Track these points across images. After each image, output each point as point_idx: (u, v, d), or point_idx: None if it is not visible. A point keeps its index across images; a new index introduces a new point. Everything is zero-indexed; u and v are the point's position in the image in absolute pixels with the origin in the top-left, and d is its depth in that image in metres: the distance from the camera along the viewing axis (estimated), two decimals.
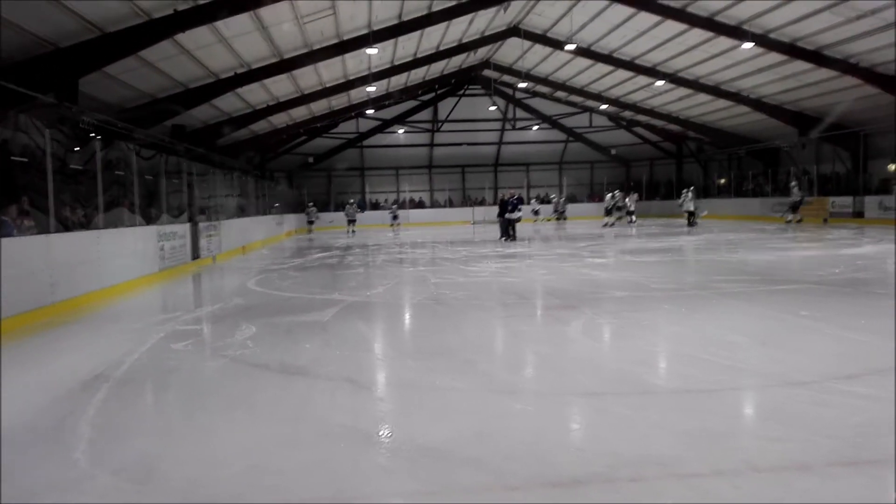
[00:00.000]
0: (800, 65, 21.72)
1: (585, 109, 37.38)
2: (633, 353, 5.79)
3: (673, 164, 40.09)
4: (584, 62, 28.19)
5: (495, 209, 22.60)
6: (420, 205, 40.36)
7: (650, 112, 33.48)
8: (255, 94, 21.84)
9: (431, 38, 24.53)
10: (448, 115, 38.14)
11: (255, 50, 17.92)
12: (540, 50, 28.63)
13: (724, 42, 21.76)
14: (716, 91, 26.92)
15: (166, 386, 5.19)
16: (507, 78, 35.25)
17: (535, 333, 6.86)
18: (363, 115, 36.37)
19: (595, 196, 39.69)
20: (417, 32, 22.36)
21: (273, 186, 30.75)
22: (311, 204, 33.54)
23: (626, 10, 21.67)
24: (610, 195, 29.37)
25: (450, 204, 40.84)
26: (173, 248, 13.76)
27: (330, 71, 23.29)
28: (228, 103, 21.48)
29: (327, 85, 25.02)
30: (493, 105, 37.68)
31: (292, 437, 3.85)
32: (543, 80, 33.25)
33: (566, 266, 12.97)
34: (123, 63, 14.01)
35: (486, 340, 6.60)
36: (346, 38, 19.74)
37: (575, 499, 3.00)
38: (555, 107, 37.88)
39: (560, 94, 35.48)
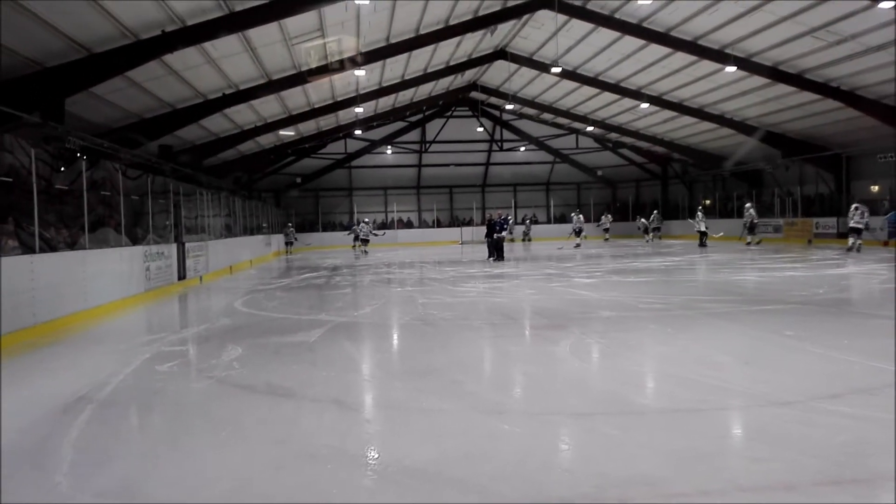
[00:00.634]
0: (782, 88, 22.06)
1: (572, 131, 37.71)
2: (620, 373, 5.80)
3: (658, 185, 40.43)
4: (570, 85, 28.49)
5: (483, 229, 22.78)
6: (408, 225, 40.43)
7: (635, 134, 33.83)
8: (242, 114, 21.90)
9: (419, 60, 24.73)
10: (436, 136, 38.34)
11: (244, 71, 17.98)
12: (527, 72, 28.93)
13: (708, 66, 22.07)
14: (700, 113, 27.26)
15: (151, 408, 5.14)
16: (494, 100, 35.55)
17: (522, 353, 6.86)
18: (351, 136, 36.50)
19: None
20: (405, 55, 22.54)
21: (260, 206, 30.63)
22: (289, 225, 33.32)
23: (612, 34, 21.94)
24: (576, 215, 30.39)
25: (437, 224, 40.92)
26: (159, 268, 13.69)
27: (318, 92, 23.40)
28: (216, 124, 21.52)
29: (315, 106, 25.13)
30: (481, 126, 37.95)
31: (278, 460, 3.82)
32: (530, 103, 33.54)
33: (554, 286, 13.00)
34: (110, 83, 14.02)
35: (473, 361, 6.58)
36: (334, 60, 19.84)
37: None
38: (542, 128, 38.20)
39: (547, 115, 35.79)
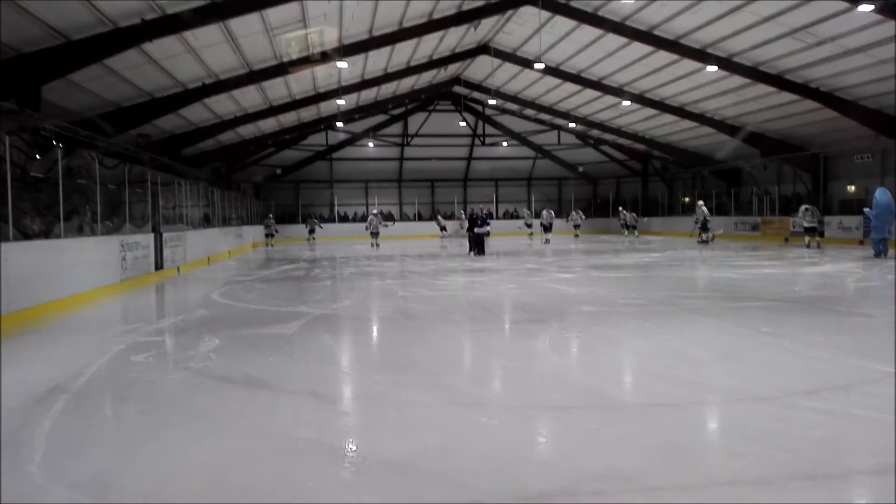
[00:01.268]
0: (762, 88, 22.26)
1: (554, 127, 37.81)
2: (599, 367, 5.83)
3: (639, 182, 40.70)
4: (552, 81, 28.54)
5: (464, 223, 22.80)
6: (389, 218, 40.27)
7: (617, 131, 34.01)
8: (222, 104, 21.67)
9: (402, 53, 24.64)
10: (418, 130, 38.25)
11: (224, 61, 17.80)
12: (509, 68, 28.93)
13: (689, 65, 22.21)
14: (680, 112, 27.45)
15: (125, 398, 5.07)
16: (477, 94, 35.52)
17: (502, 347, 6.87)
18: (333, 128, 36.31)
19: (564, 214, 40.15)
20: (388, 48, 22.44)
21: (240, 197, 30.35)
22: (269, 216, 32.74)
23: (595, 32, 22.01)
24: (546, 211, 30.02)
25: (419, 217, 40.84)
26: (136, 258, 13.53)
27: (300, 83, 23.23)
28: (195, 113, 21.29)
29: (297, 97, 24.95)
30: (463, 121, 37.90)
31: (255, 452, 3.78)
32: (513, 98, 33.57)
33: (534, 280, 13.04)
34: (88, 71, 13.82)
35: (453, 354, 6.58)
36: (316, 51, 19.69)
37: None
38: (524, 124, 38.26)
39: (529, 111, 35.85)
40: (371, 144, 38.94)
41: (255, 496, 3.20)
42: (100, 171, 12.72)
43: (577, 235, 32.93)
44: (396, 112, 37.48)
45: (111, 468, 3.61)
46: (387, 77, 27.05)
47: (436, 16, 21.14)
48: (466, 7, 21.34)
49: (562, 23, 22.12)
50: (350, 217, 40.15)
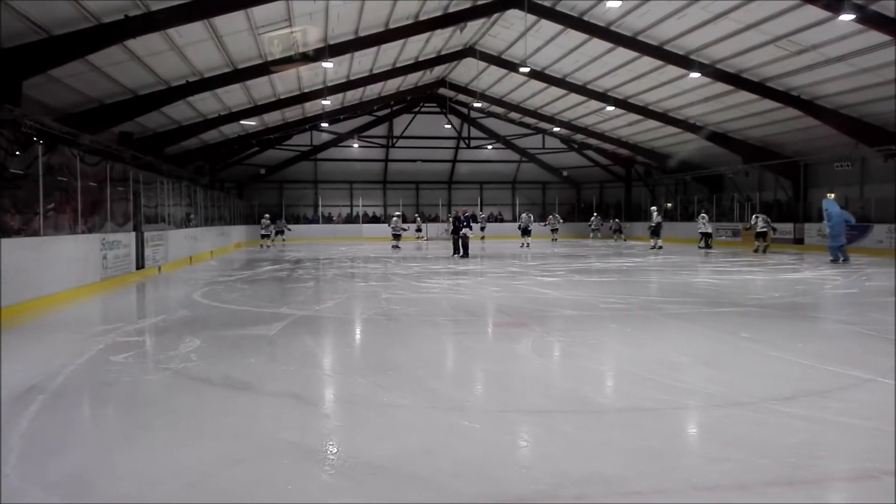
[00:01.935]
0: (744, 95, 22.47)
1: (539, 131, 37.96)
2: (580, 371, 5.86)
3: (622, 187, 40.92)
4: (538, 85, 28.66)
5: (449, 225, 22.83)
6: (374, 220, 40.21)
7: (601, 136, 34.19)
8: (206, 103, 21.54)
9: (388, 54, 24.62)
10: (403, 132, 38.25)
11: (208, 59, 17.70)
12: (495, 71, 29.02)
13: (673, 71, 22.39)
14: (664, 118, 27.64)
15: (104, 399, 5.02)
16: (462, 97, 35.60)
17: (484, 350, 6.87)
18: (317, 128, 36.18)
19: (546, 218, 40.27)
20: (374, 48, 22.42)
21: (223, 197, 30.06)
22: (266, 216, 31.40)
23: (580, 36, 22.14)
24: (526, 215, 30.07)
25: (403, 220, 40.66)
26: (117, 257, 13.40)
27: (284, 83, 23.14)
28: (179, 111, 21.14)
29: (281, 97, 24.85)
30: (448, 123, 37.94)
31: (235, 454, 3.76)
32: (498, 101, 33.66)
33: (517, 283, 13.07)
34: (70, 66, 13.68)
35: (435, 357, 6.58)
36: (301, 51, 19.62)
37: None
38: (509, 127, 38.38)
39: (514, 115, 35.96)
40: (356, 145, 38.87)
41: (235, 498, 3.18)
42: (81, 169, 12.58)
43: (555, 240, 33.06)
44: (382, 113, 37.47)
45: (89, 470, 3.57)
46: (372, 78, 27.04)
47: (422, 17, 21.17)
48: (453, 9, 21.38)
49: (547, 27, 22.21)
50: (334, 218, 40.03)
